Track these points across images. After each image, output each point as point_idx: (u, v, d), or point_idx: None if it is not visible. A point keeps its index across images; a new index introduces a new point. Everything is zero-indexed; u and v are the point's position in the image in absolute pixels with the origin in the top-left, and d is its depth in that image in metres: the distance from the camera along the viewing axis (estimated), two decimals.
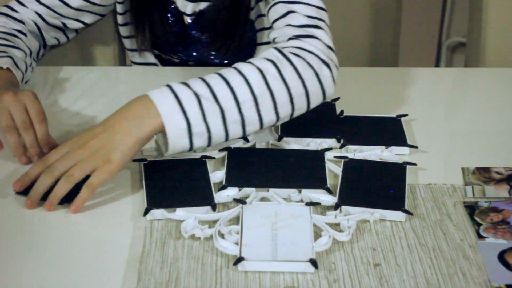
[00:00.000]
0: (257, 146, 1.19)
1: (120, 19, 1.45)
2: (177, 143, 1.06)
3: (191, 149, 1.07)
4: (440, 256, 0.99)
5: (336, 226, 1.03)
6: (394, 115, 1.26)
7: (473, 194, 1.10)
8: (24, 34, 1.33)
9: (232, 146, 1.17)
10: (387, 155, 1.16)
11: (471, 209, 1.07)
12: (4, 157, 1.17)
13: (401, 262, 0.98)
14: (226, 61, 1.46)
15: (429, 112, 1.31)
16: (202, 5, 1.40)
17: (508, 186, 1.11)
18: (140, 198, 1.08)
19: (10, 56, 1.24)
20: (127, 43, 1.49)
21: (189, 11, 1.41)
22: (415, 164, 1.14)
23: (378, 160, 1.16)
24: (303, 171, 1.12)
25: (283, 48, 1.14)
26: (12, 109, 1.14)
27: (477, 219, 1.05)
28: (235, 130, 1.08)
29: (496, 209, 1.07)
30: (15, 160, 1.15)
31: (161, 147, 1.13)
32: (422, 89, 1.39)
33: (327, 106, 1.28)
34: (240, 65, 1.11)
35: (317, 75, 1.13)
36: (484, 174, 1.14)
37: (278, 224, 1.01)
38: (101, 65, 1.54)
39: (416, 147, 1.18)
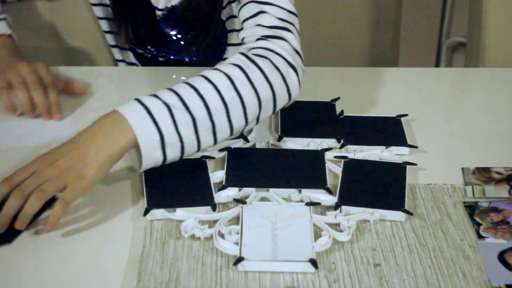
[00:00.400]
0: (257, 146, 1.19)
1: (97, 11, 1.45)
2: (150, 156, 1.04)
3: (164, 161, 1.06)
4: (440, 256, 0.99)
5: (336, 226, 1.03)
6: (394, 115, 1.26)
7: (473, 194, 1.10)
8: None
9: (232, 146, 1.17)
10: (387, 155, 1.16)
11: (471, 209, 1.07)
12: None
13: (401, 262, 0.98)
14: (195, 58, 1.46)
15: (429, 112, 1.31)
16: (174, 1, 1.39)
17: (508, 186, 1.11)
18: (140, 198, 1.08)
19: (4, 19, 1.29)
20: (109, 38, 1.49)
21: (161, 6, 1.40)
22: (415, 164, 1.14)
23: (378, 160, 1.16)
24: (303, 171, 1.12)
25: (250, 49, 1.14)
26: (25, 74, 1.24)
27: (477, 219, 1.05)
28: (207, 138, 1.07)
29: (496, 209, 1.07)
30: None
31: (133, 164, 1.10)
32: (422, 89, 1.39)
33: (327, 106, 1.28)
34: (207, 73, 1.10)
35: (284, 78, 1.12)
36: (484, 174, 1.14)
37: (278, 224, 1.01)
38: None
39: (416, 147, 1.18)
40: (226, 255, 0.98)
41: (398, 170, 1.13)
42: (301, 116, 1.26)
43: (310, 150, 1.18)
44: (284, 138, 1.20)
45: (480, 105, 1.34)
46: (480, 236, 1.02)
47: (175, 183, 1.09)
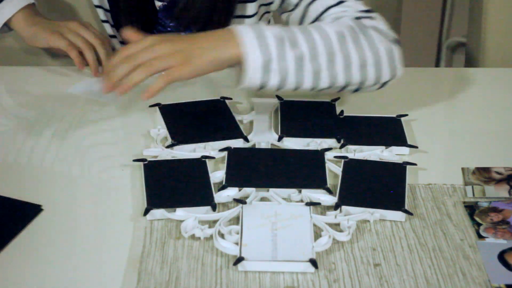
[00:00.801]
0: (257, 146, 1.19)
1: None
2: (252, 76, 1.08)
3: (261, 87, 1.10)
4: (440, 256, 0.99)
5: (336, 226, 1.03)
6: (394, 115, 1.26)
7: (473, 194, 1.10)
8: None
9: (232, 146, 1.17)
10: (387, 155, 1.16)
11: (471, 209, 1.07)
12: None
13: (401, 262, 0.98)
14: None
15: (429, 112, 1.31)
16: None
17: (508, 186, 1.11)
18: (140, 198, 1.08)
19: None
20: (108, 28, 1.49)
21: None
22: (415, 164, 1.14)
23: (378, 160, 1.16)
24: (303, 171, 1.12)
25: (361, 21, 1.17)
26: (83, 32, 1.34)
27: (477, 219, 1.05)
28: (307, 79, 1.10)
29: (496, 209, 1.07)
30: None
31: (236, 79, 1.13)
32: (422, 89, 1.39)
33: (327, 106, 1.28)
34: (320, 24, 1.14)
35: (391, 50, 1.15)
36: (484, 174, 1.14)
37: (278, 224, 1.01)
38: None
39: (416, 147, 1.18)
40: (226, 255, 0.98)
41: (398, 170, 1.13)
42: (301, 116, 1.26)
43: (310, 150, 1.18)
44: (284, 138, 1.20)
45: (480, 105, 1.34)
46: (480, 236, 1.02)
47: (175, 183, 1.09)
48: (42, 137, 1.22)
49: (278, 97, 1.30)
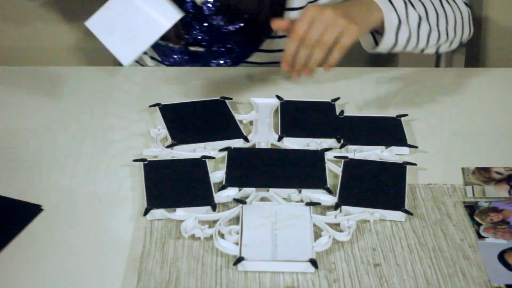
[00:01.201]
0: (257, 146, 1.19)
1: None
2: (389, 38, 1.19)
3: (393, 46, 1.21)
4: (440, 256, 0.99)
5: (336, 226, 1.03)
6: (394, 115, 1.26)
7: (473, 194, 1.10)
8: None
9: (232, 146, 1.17)
10: (387, 155, 1.16)
11: (471, 209, 1.07)
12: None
13: (401, 262, 0.98)
14: (237, 49, 1.43)
15: (429, 112, 1.31)
16: None
17: (508, 186, 1.11)
18: (140, 198, 1.08)
19: None
20: None
21: None
22: (415, 164, 1.14)
23: (378, 160, 1.16)
24: (303, 171, 1.12)
25: None
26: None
27: (477, 219, 1.05)
28: (423, 38, 1.23)
29: (496, 209, 1.07)
30: None
31: (364, 44, 1.27)
32: (422, 89, 1.39)
33: (327, 106, 1.28)
34: None
35: (468, 12, 1.31)
36: (484, 174, 1.14)
37: (278, 224, 1.01)
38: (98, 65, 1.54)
39: (416, 147, 1.18)
40: (226, 255, 0.98)
41: (398, 170, 1.13)
42: (301, 116, 1.26)
43: (310, 150, 1.18)
44: (284, 138, 1.20)
45: (480, 105, 1.34)
46: (480, 236, 1.02)
47: (175, 183, 1.09)
48: (42, 137, 1.22)
49: (278, 97, 1.30)
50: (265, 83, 1.38)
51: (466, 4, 1.33)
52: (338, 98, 1.30)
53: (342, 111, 1.27)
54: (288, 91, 1.34)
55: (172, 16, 1.06)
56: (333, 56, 1.15)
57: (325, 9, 1.14)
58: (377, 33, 1.26)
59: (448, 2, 1.28)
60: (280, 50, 1.23)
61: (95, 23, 1.09)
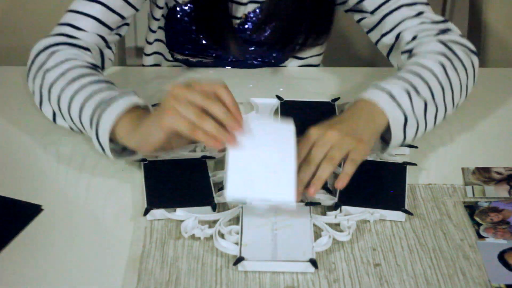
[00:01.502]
0: None
1: (155, 25, 1.42)
2: (397, 136, 1.11)
3: (403, 141, 1.13)
4: (440, 256, 0.99)
5: (336, 226, 1.03)
6: None
7: (473, 194, 1.10)
8: (97, 66, 1.21)
9: None
10: (387, 155, 1.16)
11: (471, 209, 1.07)
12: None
13: (401, 262, 0.98)
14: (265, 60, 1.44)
15: None
16: (251, 6, 1.36)
17: (508, 186, 1.11)
18: (140, 198, 1.08)
19: (133, 91, 1.12)
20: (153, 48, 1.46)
21: (239, 14, 1.37)
22: (415, 164, 1.14)
23: (378, 160, 1.16)
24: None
25: (445, 41, 1.21)
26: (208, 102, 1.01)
27: (477, 219, 1.05)
28: (431, 120, 1.15)
29: (496, 209, 1.07)
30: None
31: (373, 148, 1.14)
32: None
33: (327, 106, 1.28)
34: (422, 60, 1.17)
35: (472, 64, 1.21)
36: (484, 174, 1.14)
37: (278, 224, 1.01)
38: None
39: (416, 147, 1.18)
40: (226, 255, 0.98)
41: (398, 170, 1.13)
42: (301, 116, 1.26)
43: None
44: None
45: (480, 105, 1.34)
46: (480, 236, 1.02)
47: (175, 183, 1.09)
48: (42, 137, 1.22)
49: (278, 97, 1.30)
50: (265, 83, 1.39)
51: (473, 52, 1.23)
52: (338, 98, 1.30)
53: (342, 111, 1.27)
54: (288, 91, 1.34)
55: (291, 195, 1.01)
56: (346, 170, 1.04)
57: (329, 129, 1.05)
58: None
59: (452, 64, 1.18)
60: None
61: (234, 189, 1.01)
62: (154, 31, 1.44)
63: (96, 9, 1.24)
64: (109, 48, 1.28)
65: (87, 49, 1.22)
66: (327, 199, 1.07)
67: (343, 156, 1.04)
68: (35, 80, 1.19)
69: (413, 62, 1.18)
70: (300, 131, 1.21)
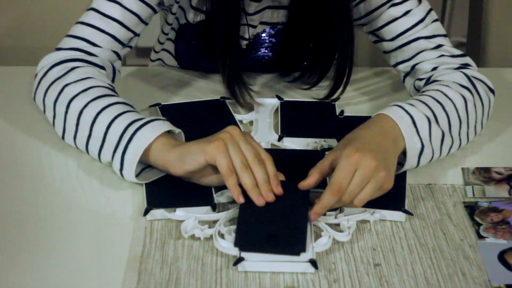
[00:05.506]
0: None
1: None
2: (410, 162, 1.10)
3: (415, 167, 1.12)
4: (440, 256, 0.99)
5: (336, 226, 1.03)
6: None
7: (473, 194, 1.10)
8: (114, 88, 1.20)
9: None
10: None
11: (471, 209, 1.07)
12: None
13: (401, 262, 0.98)
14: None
15: None
16: (260, 28, 1.34)
17: (508, 186, 1.12)
18: (140, 198, 1.08)
19: (164, 119, 1.12)
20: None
21: (247, 35, 1.35)
22: None
23: None
24: (303, 171, 1.12)
25: (469, 75, 1.21)
26: (245, 147, 1.04)
27: (477, 219, 1.05)
28: (444, 152, 1.14)
29: (496, 209, 1.07)
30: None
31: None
32: None
33: (327, 106, 1.28)
34: (445, 90, 1.16)
35: (489, 103, 1.21)
36: (484, 174, 1.14)
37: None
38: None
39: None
40: (226, 255, 0.98)
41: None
42: (301, 116, 1.26)
43: (310, 150, 1.18)
44: (284, 138, 1.20)
45: None
46: (480, 236, 1.02)
47: (175, 183, 1.09)
48: (42, 137, 1.22)
49: (278, 97, 1.30)
50: (265, 83, 1.38)
51: (492, 91, 1.23)
52: (338, 98, 1.30)
53: (342, 111, 1.27)
54: (288, 91, 1.34)
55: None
56: (363, 195, 1.01)
57: (366, 154, 1.01)
58: None
59: (473, 100, 1.18)
60: None
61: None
62: (162, 43, 1.45)
63: (112, 26, 1.22)
64: (119, 59, 1.27)
65: (102, 67, 1.21)
66: None
67: (377, 188, 1.02)
68: (48, 92, 1.17)
69: (437, 89, 1.17)
70: (300, 131, 1.21)
